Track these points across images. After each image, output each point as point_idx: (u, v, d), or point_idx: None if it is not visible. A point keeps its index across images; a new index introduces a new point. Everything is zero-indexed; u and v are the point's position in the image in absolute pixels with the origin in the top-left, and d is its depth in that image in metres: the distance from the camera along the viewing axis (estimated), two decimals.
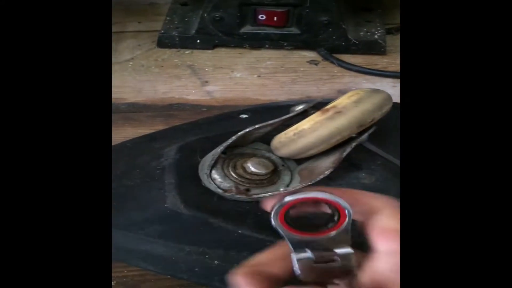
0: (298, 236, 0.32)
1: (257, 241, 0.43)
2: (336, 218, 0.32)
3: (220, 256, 0.42)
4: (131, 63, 0.71)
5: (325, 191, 0.32)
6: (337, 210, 0.32)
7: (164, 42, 0.74)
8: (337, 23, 0.71)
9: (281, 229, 0.32)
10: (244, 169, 0.47)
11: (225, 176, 0.46)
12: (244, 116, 0.58)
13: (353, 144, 0.47)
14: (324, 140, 0.46)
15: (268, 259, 0.33)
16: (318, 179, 0.46)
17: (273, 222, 0.32)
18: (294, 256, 0.32)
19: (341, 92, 0.65)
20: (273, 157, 0.49)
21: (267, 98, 0.66)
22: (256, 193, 0.45)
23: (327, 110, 0.47)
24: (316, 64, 0.72)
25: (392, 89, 0.67)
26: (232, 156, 0.48)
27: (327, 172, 0.46)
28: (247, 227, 0.43)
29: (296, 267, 0.32)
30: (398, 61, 0.72)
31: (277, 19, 0.71)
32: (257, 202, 0.45)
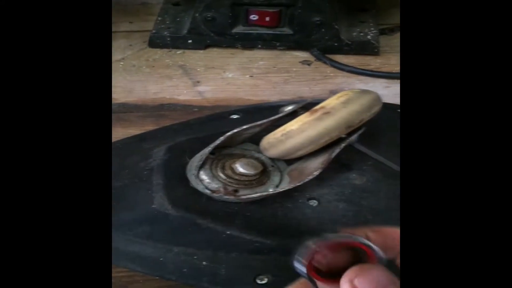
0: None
1: (246, 242, 0.42)
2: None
3: (208, 257, 0.42)
4: (122, 63, 0.71)
5: (353, 235, 0.31)
6: (366, 254, 0.31)
7: (155, 42, 0.74)
8: (329, 24, 0.70)
9: (308, 278, 0.31)
10: (232, 169, 0.46)
11: (214, 176, 0.46)
12: (235, 116, 0.58)
13: (342, 145, 0.47)
14: (313, 140, 0.46)
15: None
16: (307, 179, 0.45)
17: (299, 269, 0.31)
18: None
19: (334, 93, 0.65)
20: (263, 157, 0.49)
21: (259, 99, 0.66)
22: (244, 194, 0.45)
23: (316, 110, 0.47)
24: (308, 65, 0.72)
25: (385, 89, 0.67)
26: (220, 157, 0.48)
27: (316, 173, 0.45)
28: (235, 228, 0.43)
29: None
30: (392, 62, 0.72)
31: (269, 19, 0.70)
32: (245, 203, 0.45)
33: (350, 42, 0.72)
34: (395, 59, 0.72)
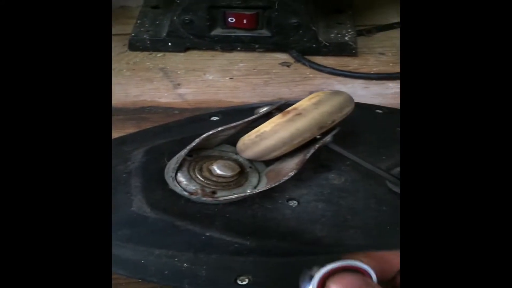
0: None
1: (226, 243, 0.43)
2: None
3: (189, 258, 0.42)
4: None
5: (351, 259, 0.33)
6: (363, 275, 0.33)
7: (135, 45, 0.74)
8: (307, 25, 0.71)
9: None
10: (210, 171, 0.47)
11: (191, 178, 0.46)
12: (215, 118, 0.58)
13: (317, 146, 0.47)
14: (286, 142, 0.46)
15: None
16: (283, 180, 0.46)
17: None
18: None
19: None
20: (241, 159, 0.49)
21: (240, 101, 0.66)
22: (222, 196, 0.45)
23: (288, 112, 0.47)
24: (288, 66, 0.72)
25: (364, 90, 0.68)
26: (198, 159, 0.48)
27: (291, 174, 0.46)
28: (215, 229, 0.43)
29: None
30: (370, 63, 0.72)
31: (246, 21, 0.71)
32: (224, 205, 0.46)
33: (328, 44, 0.72)
34: (373, 60, 0.73)
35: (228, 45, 0.73)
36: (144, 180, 0.47)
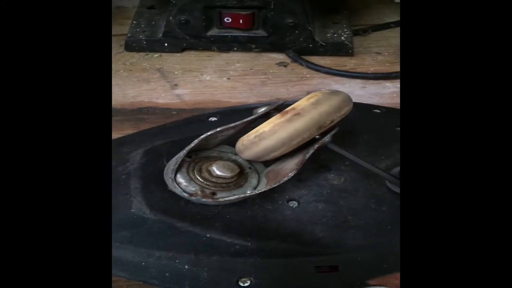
0: None
1: (227, 244, 0.43)
2: None
3: (190, 260, 0.42)
4: None
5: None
6: None
7: (131, 46, 0.73)
8: (303, 25, 0.71)
9: None
10: (209, 172, 0.47)
11: (191, 180, 0.46)
12: (213, 119, 0.58)
13: (316, 146, 0.47)
14: (285, 142, 0.46)
15: None
16: (283, 181, 0.46)
17: None
18: None
19: None
20: (240, 159, 0.49)
21: (237, 101, 0.66)
22: (222, 197, 0.45)
23: (286, 112, 0.47)
24: (285, 66, 0.72)
25: (361, 90, 0.68)
26: (197, 160, 0.48)
27: (291, 174, 0.46)
28: (215, 231, 0.43)
29: None
30: (366, 62, 0.72)
31: (242, 21, 0.71)
32: (224, 206, 0.46)
33: (324, 43, 0.72)
34: (370, 59, 0.73)
35: (224, 45, 0.73)
36: (143, 182, 0.47)
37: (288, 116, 0.47)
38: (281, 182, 0.46)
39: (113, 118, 0.62)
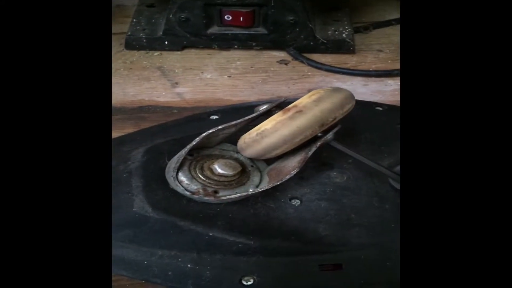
0: None
1: (229, 243, 0.42)
2: None
3: (192, 259, 0.42)
4: None
5: None
6: None
7: (131, 44, 0.73)
8: (304, 23, 0.71)
9: None
10: (211, 170, 0.46)
11: (192, 178, 0.46)
12: (214, 117, 0.58)
13: (318, 144, 0.47)
14: (287, 140, 0.46)
15: None
16: (285, 179, 0.46)
17: None
18: None
19: None
20: (242, 158, 0.49)
21: (238, 99, 0.66)
22: (224, 195, 0.45)
23: (288, 109, 0.47)
24: (286, 64, 0.72)
25: (363, 87, 0.68)
26: (199, 158, 0.48)
27: (293, 172, 0.46)
28: (217, 229, 0.43)
29: None
30: (368, 60, 0.72)
31: (243, 19, 0.70)
32: (226, 204, 0.45)
33: (325, 41, 0.72)
34: (371, 57, 0.73)
35: (225, 43, 0.73)
36: (145, 180, 0.46)
37: (290, 113, 0.47)
38: (283, 180, 0.46)
39: (113, 117, 0.62)
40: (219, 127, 0.48)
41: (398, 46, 0.74)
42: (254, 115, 0.50)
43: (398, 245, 0.33)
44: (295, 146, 0.47)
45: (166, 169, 0.47)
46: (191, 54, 0.73)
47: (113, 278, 0.44)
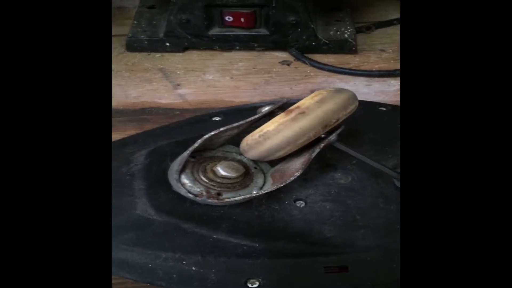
0: None
1: (234, 245, 0.42)
2: None
3: (197, 262, 0.41)
4: None
5: None
6: None
7: (133, 46, 0.73)
8: (305, 23, 0.70)
9: None
10: (214, 172, 0.46)
11: (195, 180, 0.45)
12: (217, 118, 0.57)
13: (322, 145, 0.47)
14: (290, 141, 0.46)
15: None
16: (289, 180, 0.45)
17: None
18: None
19: None
20: (245, 159, 0.49)
21: (241, 100, 0.66)
22: (228, 197, 0.45)
23: (291, 111, 0.47)
24: (288, 65, 0.72)
25: (366, 88, 0.68)
26: (202, 160, 0.48)
27: (297, 174, 0.45)
28: (221, 232, 0.43)
29: None
30: (371, 60, 0.72)
31: (244, 20, 0.70)
32: (230, 206, 0.45)
33: (327, 41, 0.72)
34: (374, 57, 0.73)
35: (226, 44, 0.73)
36: (148, 183, 0.46)
37: (292, 115, 0.46)
38: (287, 182, 0.45)
39: (115, 119, 0.62)
40: (222, 129, 0.48)
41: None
42: (256, 116, 0.50)
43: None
44: (298, 147, 0.47)
45: (169, 171, 0.47)
46: (193, 56, 0.73)
47: (117, 281, 0.44)
